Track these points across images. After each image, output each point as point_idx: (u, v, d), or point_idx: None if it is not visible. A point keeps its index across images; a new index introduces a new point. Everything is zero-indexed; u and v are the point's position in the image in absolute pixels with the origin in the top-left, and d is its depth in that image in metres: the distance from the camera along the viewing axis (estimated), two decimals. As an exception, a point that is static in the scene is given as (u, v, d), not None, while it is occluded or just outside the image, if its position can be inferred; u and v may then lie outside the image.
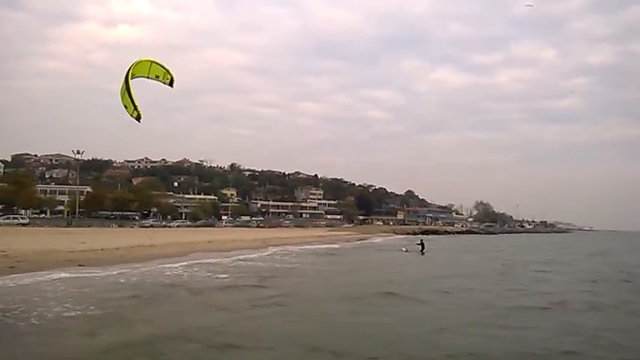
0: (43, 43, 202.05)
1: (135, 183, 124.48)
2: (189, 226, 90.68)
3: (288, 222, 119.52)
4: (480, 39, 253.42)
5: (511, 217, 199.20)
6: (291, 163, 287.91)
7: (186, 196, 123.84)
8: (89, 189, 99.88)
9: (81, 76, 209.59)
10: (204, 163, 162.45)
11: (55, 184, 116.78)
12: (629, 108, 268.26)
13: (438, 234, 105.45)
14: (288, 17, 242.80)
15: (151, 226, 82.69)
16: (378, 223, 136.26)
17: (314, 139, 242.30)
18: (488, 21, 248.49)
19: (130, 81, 12.81)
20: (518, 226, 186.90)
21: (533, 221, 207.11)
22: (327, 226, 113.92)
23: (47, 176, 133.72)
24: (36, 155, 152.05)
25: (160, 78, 13.56)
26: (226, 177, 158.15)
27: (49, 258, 23.22)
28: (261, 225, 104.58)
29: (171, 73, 13.62)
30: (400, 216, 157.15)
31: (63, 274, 18.81)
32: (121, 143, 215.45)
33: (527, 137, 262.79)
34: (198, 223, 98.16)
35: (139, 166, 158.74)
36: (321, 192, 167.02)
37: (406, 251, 42.51)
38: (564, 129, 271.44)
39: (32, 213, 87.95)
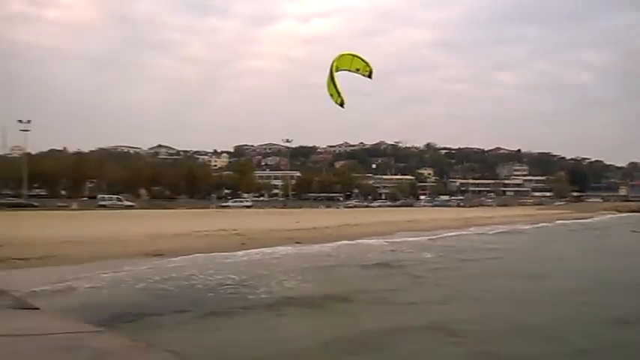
0: (251, 45, 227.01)
1: (337, 166, 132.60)
2: (389, 206, 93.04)
3: (490, 200, 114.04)
4: None
5: None
6: (489, 139, 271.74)
7: (384, 177, 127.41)
8: (298, 173, 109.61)
9: (284, 71, 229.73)
10: (400, 144, 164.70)
11: (270, 170, 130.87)
12: None
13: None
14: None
15: (354, 206, 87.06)
16: (596, 199, 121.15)
17: (513, 112, 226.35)
18: None
19: (335, 73, 14.03)
20: None
21: None
22: (535, 204, 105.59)
23: (263, 163, 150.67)
24: (253, 145, 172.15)
25: (360, 70, 14.68)
26: (422, 157, 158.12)
27: (271, 236, 26.17)
28: (462, 204, 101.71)
29: (370, 65, 14.52)
30: (622, 192, 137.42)
31: (284, 250, 21.15)
32: (323, 130, 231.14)
33: None
34: (397, 203, 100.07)
35: (339, 151, 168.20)
36: (526, 167, 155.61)
37: (637, 232, 37.06)
38: None
39: (253, 196, 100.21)
